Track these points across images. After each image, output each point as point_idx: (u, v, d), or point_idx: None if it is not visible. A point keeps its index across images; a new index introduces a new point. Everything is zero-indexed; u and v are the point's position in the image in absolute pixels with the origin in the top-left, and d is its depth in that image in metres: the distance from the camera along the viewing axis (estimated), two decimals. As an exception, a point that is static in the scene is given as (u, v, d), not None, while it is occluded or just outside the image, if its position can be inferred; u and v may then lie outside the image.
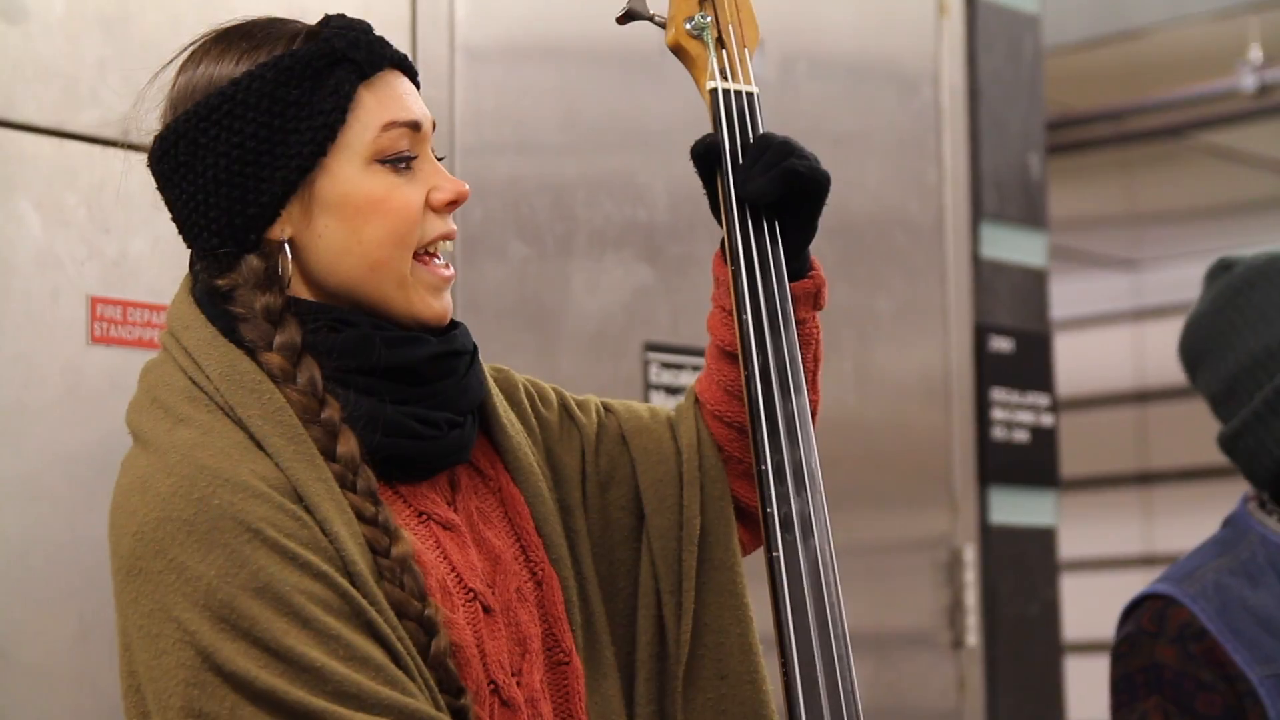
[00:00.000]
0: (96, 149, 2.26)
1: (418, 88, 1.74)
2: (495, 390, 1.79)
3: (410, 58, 1.74)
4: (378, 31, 1.71)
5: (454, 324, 1.73)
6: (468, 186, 1.70)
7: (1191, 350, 2.45)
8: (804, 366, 1.78)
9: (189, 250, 1.71)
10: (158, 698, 1.54)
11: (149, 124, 1.71)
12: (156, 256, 2.30)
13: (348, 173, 1.65)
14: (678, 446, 1.83)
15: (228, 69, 1.66)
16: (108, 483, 2.18)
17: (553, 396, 1.86)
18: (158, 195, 2.29)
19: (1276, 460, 2.34)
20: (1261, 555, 2.34)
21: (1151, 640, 2.29)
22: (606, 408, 1.87)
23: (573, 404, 1.86)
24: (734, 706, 1.76)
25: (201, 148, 1.65)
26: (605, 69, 2.97)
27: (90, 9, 2.29)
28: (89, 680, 2.20)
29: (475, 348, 1.75)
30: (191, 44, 1.71)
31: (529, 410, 1.82)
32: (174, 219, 1.70)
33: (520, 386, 1.84)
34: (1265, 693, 2.22)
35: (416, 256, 1.67)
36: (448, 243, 1.71)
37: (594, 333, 2.90)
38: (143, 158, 2.28)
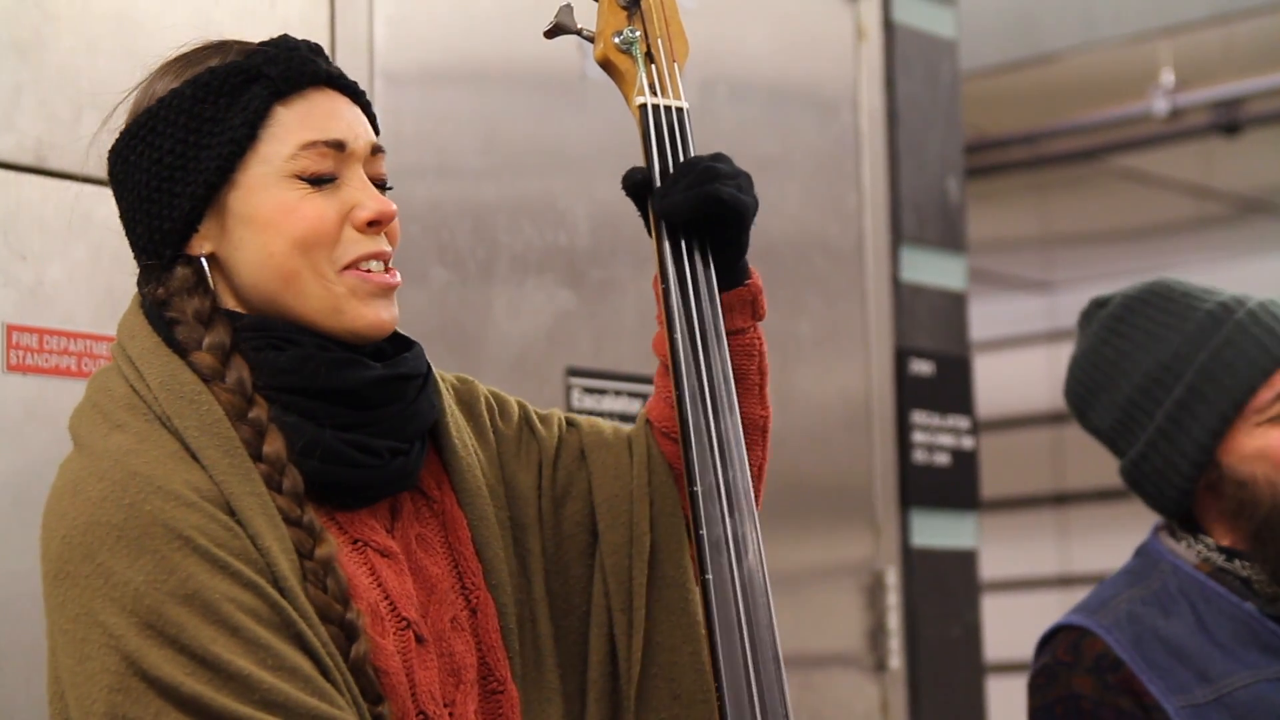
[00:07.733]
0: (12, 175, 2.23)
1: (366, 105, 1.73)
2: (450, 407, 1.77)
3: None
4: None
5: (408, 345, 1.72)
6: (395, 207, 1.68)
7: (1079, 390, 2.40)
8: (749, 379, 1.77)
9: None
10: (80, 703, 1.52)
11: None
12: (73, 284, 2.27)
13: (259, 186, 1.64)
14: (632, 463, 1.82)
15: (163, 85, 1.68)
16: (23, 514, 2.15)
17: (514, 410, 1.84)
18: (73, 222, 2.28)
19: (1185, 476, 2.31)
20: (1173, 585, 2.33)
21: (1068, 670, 2.29)
22: (569, 422, 1.86)
23: (535, 418, 1.84)
24: None
25: (130, 164, 1.67)
26: (525, 93, 2.96)
27: (4, 34, 2.26)
28: None
29: (429, 369, 1.73)
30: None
31: (487, 424, 1.81)
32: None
33: (482, 399, 1.83)
34: (1181, 724, 2.22)
35: (346, 269, 1.66)
36: (375, 262, 1.69)
37: (515, 358, 2.89)
38: (59, 184, 2.28)
